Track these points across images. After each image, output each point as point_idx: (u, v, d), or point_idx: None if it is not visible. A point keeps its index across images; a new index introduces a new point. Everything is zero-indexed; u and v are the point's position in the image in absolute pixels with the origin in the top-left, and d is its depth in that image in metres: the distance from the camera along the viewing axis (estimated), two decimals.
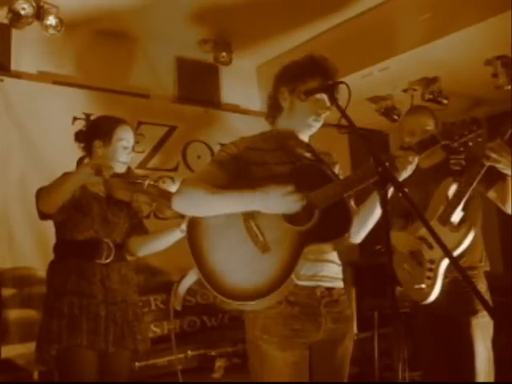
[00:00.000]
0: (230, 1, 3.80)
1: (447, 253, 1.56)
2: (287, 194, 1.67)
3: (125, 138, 2.39)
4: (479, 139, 1.85)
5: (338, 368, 1.82)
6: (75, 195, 2.25)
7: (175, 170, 4.34)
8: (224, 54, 4.45)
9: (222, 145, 1.97)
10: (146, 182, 2.30)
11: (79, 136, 2.45)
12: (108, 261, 2.30)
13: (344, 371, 1.83)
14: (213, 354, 4.03)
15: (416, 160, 1.78)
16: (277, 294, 1.67)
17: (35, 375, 3.29)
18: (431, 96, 4.46)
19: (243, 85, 4.81)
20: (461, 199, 2.30)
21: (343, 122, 1.69)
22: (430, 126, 2.54)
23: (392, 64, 4.05)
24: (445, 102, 4.50)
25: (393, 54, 3.95)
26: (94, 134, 2.39)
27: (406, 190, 1.53)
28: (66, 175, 2.24)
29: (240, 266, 1.69)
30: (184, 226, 2.24)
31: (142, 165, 4.20)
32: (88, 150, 2.41)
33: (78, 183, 2.20)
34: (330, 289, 1.80)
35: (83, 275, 2.24)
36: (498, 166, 2.18)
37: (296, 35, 4.31)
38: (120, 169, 2.36)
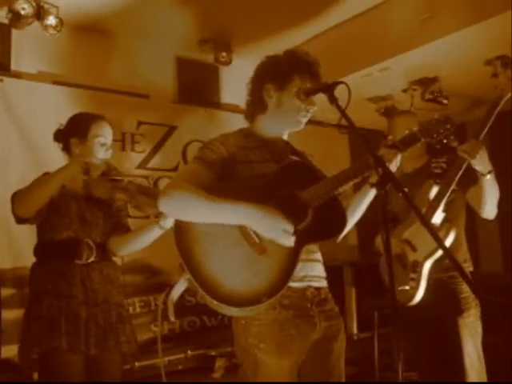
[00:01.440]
0: (231, 1, 3.80)
1: (443, 248, 1.58)
2: (286, 231, 1.63)
3: (101, 134, 2.29)
4: (451, 137, 1.95)
5: (334, 364, 1.81)
6: (53, 196, 2.18)
7: (175, 170, 4.35)
8: (224, 54, 4.45)
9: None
10: (125, 179, 2.24)
11: (57, 135, 2.37)
12: (89, 261, 2.23)
13: (341, 367, 1.83)
14: (213, 354, 4.03)
15: (399, 156, 1.86)
16: (274, 299, 1.63)
17: (35, 375, 3.29)
18: (431, 96, 4.46)
19: (243, 85, 4.79)
20: (440, 201, 2.34)
21: (343, 122, 1.69)
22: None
23: (392, 64, 4.05)
24: (445, 102, 4.50)
25: (393, 54, 3.95)
26: (70, 132, 2.31)
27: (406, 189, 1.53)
28: (47, 175, 2.20)
29: (237, 269, 1.64)
30: (163, 223, 2.21)
31: (142, 165, 4.21)
32: (67, 149, 2.33)
33: (63, 181, 2.15)
34: (318, 288, 1.79)
35: (63, 276, 2.18)
36: (472, 162, 2.24)
37: (296, 35, 4.31)
38: (99, 166, 2.26)
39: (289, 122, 1.89)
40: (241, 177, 1.77)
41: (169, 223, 2.21)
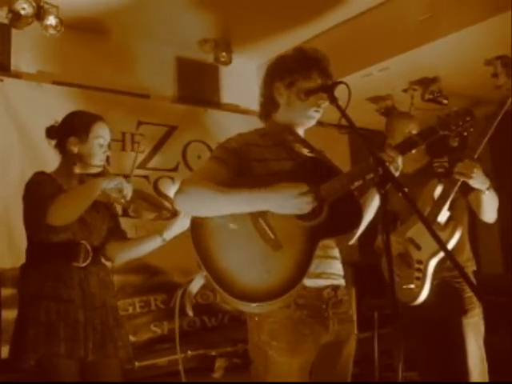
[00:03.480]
0: (231, 1, 3.80)
1: (444, 248, 1.58)
2: (301, 195, 1.64)
3: (101, 135, 2.25)
4: (471, 129, 1.92)
5: (342, 369, 1.80)
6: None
7: (175, 170, 4.35)
8: (224, 53, 4.45)
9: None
10: None
11: (51, 132, 2.30)
12: (85, 264, 2.17)
13: (348, 372, 1.82)
14: (213, 354, 4.03)
15: (400, 161, 1.81)
16: (289, 295, 1.63)
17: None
18: (431, 96, 4.46)
19: (243, 85, 4.81)
20: (446, 199, 2.34)
21: (343, 121, 1.69)
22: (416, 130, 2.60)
23: (392, 64, 4.05)
24: (445, 102, 4.50)
25: (393, 54, 3.96)
26: (69, 130, 2.24)
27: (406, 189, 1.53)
28: (88, 184, 2.16)
29: (252, 265, 1.65)
30: (166, 235, 2.21)
31: (142, 165, 4.20)
32: (61, 147, 2.26)
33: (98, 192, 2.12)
34: (335, 289, 1.79)
35: (60, 279, 2.11)
36: (470, 182, 2.26)
37: (296, 35, 4.31)
38: (96, 169, 2.25)
39: (301, 118, 1.89)
40: (257, 175, 1.76)
41: (170, 235, 2.22)
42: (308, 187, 1.66)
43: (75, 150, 2.22)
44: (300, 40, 4.38)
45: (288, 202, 1.64)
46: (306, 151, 1.88)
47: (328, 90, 1.75)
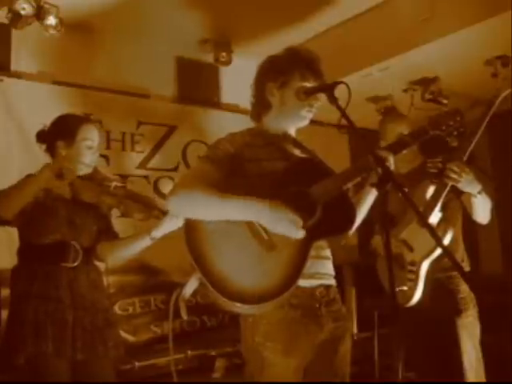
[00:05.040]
0: (231, 1, 3.80)
1: (442, 246, 1.58)
2: (294, 223, 1.62)
3: (89, 137, 2.25)
4: (461, 129, 1.93)
5: (339, 367, 1.80)
6: (39, 198, 2.15)
7: (175, 170, 4.35)
8: (224, 54, 4.45)
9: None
10: (113, 184, 2.20)
11: (41, 136, 2.32)
12: (75, 264, 2.19)
13: (345, 369, 1.82)
14: (213, 354, 4.03)
15: (392, 161, 1.81)
16: (284, 296, 1.62)
17: None
18: (431, 96, 4.46)
19: (243, 85, 4.79)
20: (437, 201, 2.33)
21: (343, 121, 1.69)
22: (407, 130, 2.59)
23: (392, 64, 4.05)
24: (445, 102, 4.50)
25: (393, 54, 3.96)
26: (57, 134, 2.26)
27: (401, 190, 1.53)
28: (27, 178, 2.16)
29: (247, 267, 1.64)
30: (154, 234, 2.18)
31: (141, 165, 4.21)
32: (51, 152, 2.28)
33: (39, 187, 2.11)
34: (328, 288, 1.79)
35: (49, 279, 2.13)
36: (459, 185, 2.24)
37: (296, 35, 4.30)
38: (85, 170, 2.25)
39: (293, 119, 1.89)
40: (249, 175, 1.76)
41: (160, 233, 2.19)
42: (301, 220, 1.64)
43: (63, 153, 2.23)
44: (300, 40, 4.38)
45: (280, 221, 1.63)
46: (297, 151, 1.88)
47: (328, 89, 1.75)
